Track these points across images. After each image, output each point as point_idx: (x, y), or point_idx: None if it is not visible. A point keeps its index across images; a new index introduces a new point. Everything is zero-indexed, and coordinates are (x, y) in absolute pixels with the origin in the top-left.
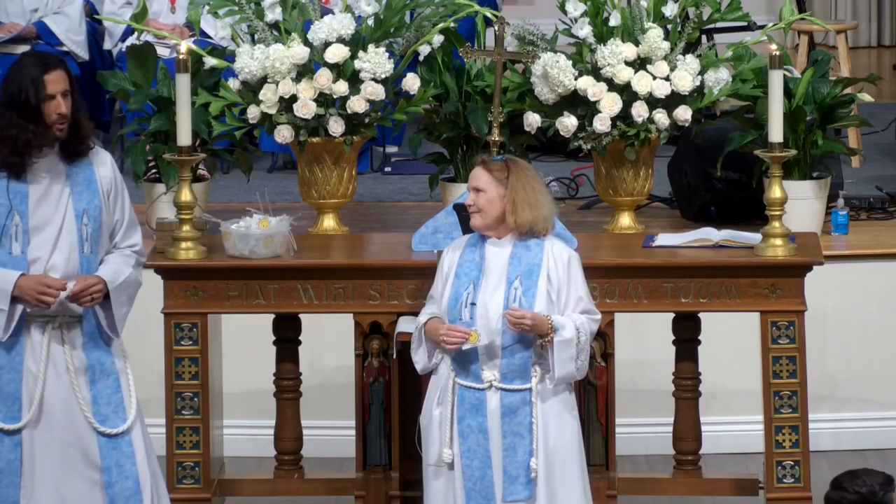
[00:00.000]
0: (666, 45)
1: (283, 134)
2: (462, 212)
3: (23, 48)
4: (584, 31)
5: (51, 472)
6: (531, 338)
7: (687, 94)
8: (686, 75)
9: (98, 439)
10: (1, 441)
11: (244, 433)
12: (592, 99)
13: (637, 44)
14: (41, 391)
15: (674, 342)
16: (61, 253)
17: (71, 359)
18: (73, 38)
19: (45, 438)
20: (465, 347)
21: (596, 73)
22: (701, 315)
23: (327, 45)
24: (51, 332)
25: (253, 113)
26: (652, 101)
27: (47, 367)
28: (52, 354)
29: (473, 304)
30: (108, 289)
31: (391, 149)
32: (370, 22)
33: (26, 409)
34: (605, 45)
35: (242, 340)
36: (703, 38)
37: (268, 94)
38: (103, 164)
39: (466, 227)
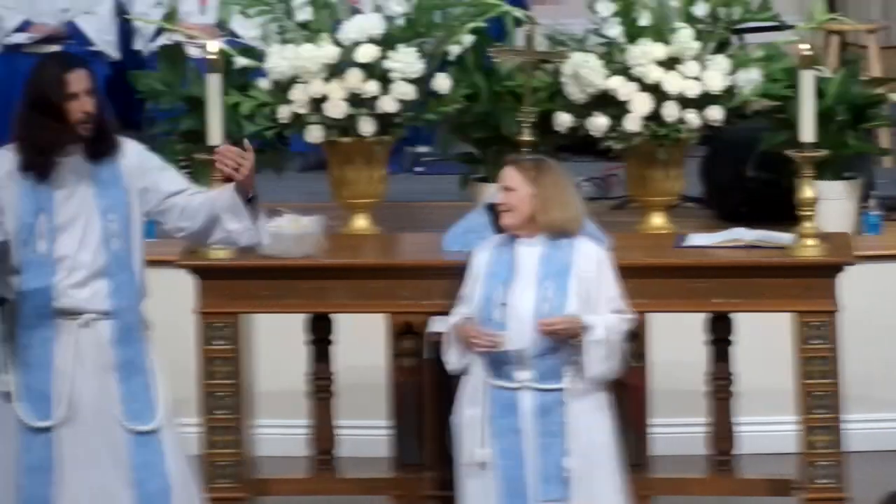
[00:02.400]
0: (696, 44)
1: (314, 134)
2: (493, 211)
3: (53, 48)
4: (615, 30)
5: (81, 469)
6: (563, 338)
7: (718, 93)
8: (717, 75)
9: (128, 437)
10: (32, 439)
11: (278, 433)
12: (623, 99)
13: (667, 44)
14: (70, 389)
15: (707, 342)
16: (87, 249)
17: (100, 357)
18: (103, 37)
19: (76, 436)
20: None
21: (626, 72)
22: (734, 315)
23: (358, 44)
24: (80, 329)
25: (283, 113)
26: (683, 101)
27: (76, 365)
28: (82, 352)
29: (504, 304)
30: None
31: (422, 149)
32: (400, 22)
33: (56, 407)
34: (635, 44)
35: (275, 340)
36: (734, 38)
37: (298, 94)
38: (129, 155)
39: (497, 227)
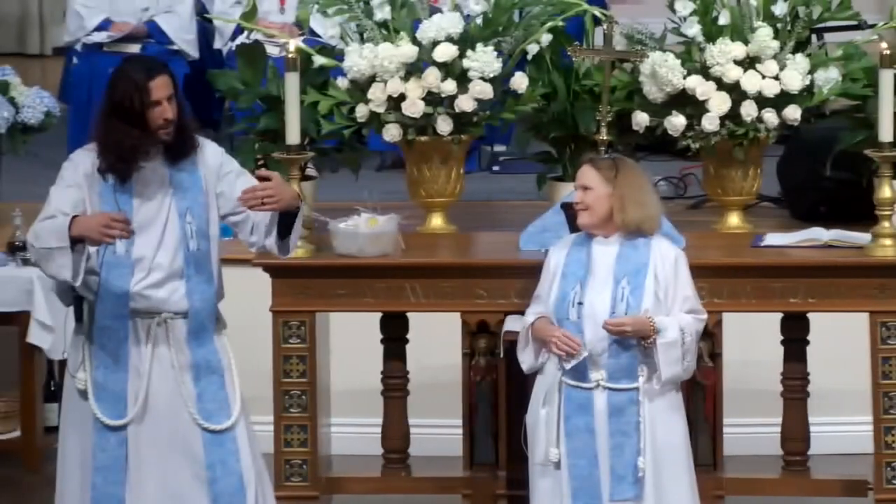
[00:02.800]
0: (775, 44)
1: (392, 133)
2: (569, 210)
3: (133, 47)
4: (693, 29)
5: (156, 468)
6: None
7: (796, 93)
8: (795, 74)
9: (202, 436)
10: (106, 438)
11: (352, 431)
12: (701, 98)
13: (746, 43)
14: (146, 388)
15: (782, 342)
16: (166, 251)
17: (176, 356)
18: (183, 36)
19: (151, 435)
20: (569, 364)
21: (705, 72)
22: (809, 315)
23: (436, 43)
24: (155, 329)
25: (361, 112)
26: (761, 101)
27: (152, 364)
28: (157, 351)
29: (581, 303)
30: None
31: (499, 148)
32: (479, 21)
33: (131, 406)
34: (714, 43)
35: (350, 338)
36: (813, 37)
37: (376, 93)
38: (208, 157)
39: (574, 226)
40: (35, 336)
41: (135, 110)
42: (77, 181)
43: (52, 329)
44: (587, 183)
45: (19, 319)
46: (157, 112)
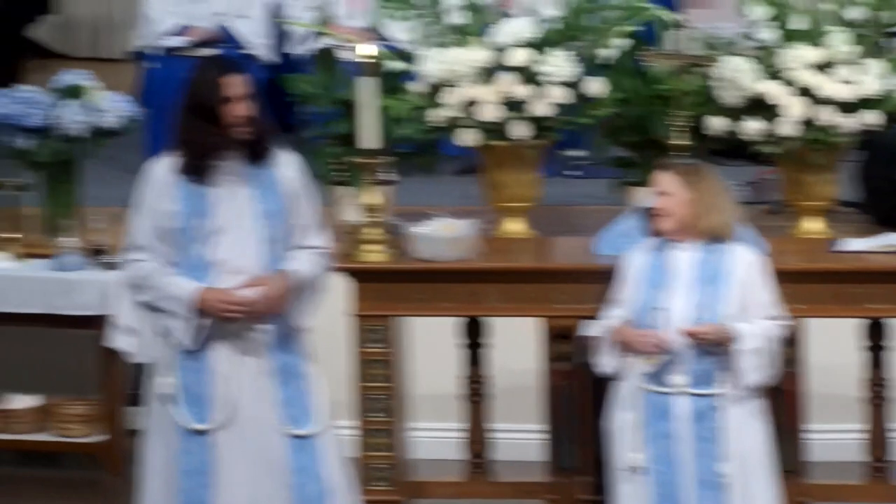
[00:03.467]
0: (850, 48)
1: (467, 137)
2: (646, 215)
3: (208, 52)
4: (767, 34)
5: (240, 473)
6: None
7: (873, 97)
8: (871, 79)
9: (287, 442)
10: (192, 442)
11: (434, 436)
12: (776, 103)
13: (821, 47)
14: (230, 393)
15: (862, 348)
16: (245, 255)
17: (261, 360)
18: (257, 41)
19: (236, 439)
20: (654, 364)
21: (779, 76)
22: (888, 320)
23: (510, 48)
24: (240, 333)
25: (436, 116)
26: (837, 105)
27: (236, 369)
28: (241, 356)
29: (661, 309)
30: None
31: (575, 152)
32: (554, 25)
33: (216, 411)
34: (788, 48)
35: (430, 343)
36: (890, 41)
37: (451, 98)
38: (287, 165)
39: (650, 231)
40: (117, 339)
41: (208, 107)
42: (153, 204)
43: (134, 332)
44: (666, 189)
45: (100, 323)
46: (230, 109)
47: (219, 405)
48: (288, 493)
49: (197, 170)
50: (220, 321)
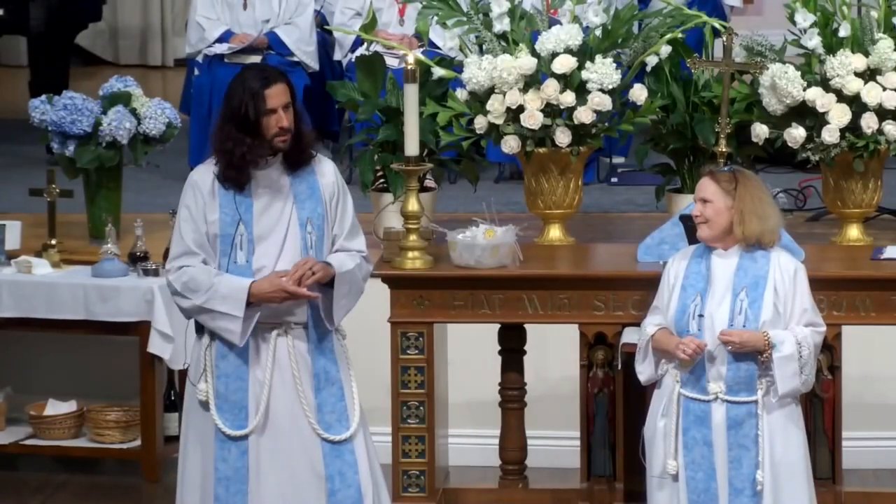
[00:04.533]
0: None
1: (510, 144)
2: (688, 222)
3: (254, 58)
4: (814, 41)
5: (276, 479)
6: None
7: None
8: None
9: (322, 447)
10: (228, 448)
11: (469, 442)
12: (821, 110)
13: (867, 54)
14: (267, 398)
15: None
16: (286, 261)
17: (297, 366)
18: (303, 48)
19: (271, 445)
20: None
21: (825, 83)
22: None
23: (555, 55)
24: (276, 339)
25: (480, 123)
26: (882, 113)
27: (273, 374)
28: (279, 361)
29: (701, 315)
30: (332, 273)
31: (617, 159)
32: (598, 33)
33: (252, 416)
34: (834, 55)
35: (468, 349)
36: None
37: (495, 105)
38: (326, 172)
39: (692, 238)
40: (155, 346)
41: (249, 118)
42: (197, 211)
43: (172, 339)
44: (707, 196)
45: (139, 329)
46: (273, 120)
47: (255, 410)
48: (323, 498)
49: (235, 179)
50: (280, 302)
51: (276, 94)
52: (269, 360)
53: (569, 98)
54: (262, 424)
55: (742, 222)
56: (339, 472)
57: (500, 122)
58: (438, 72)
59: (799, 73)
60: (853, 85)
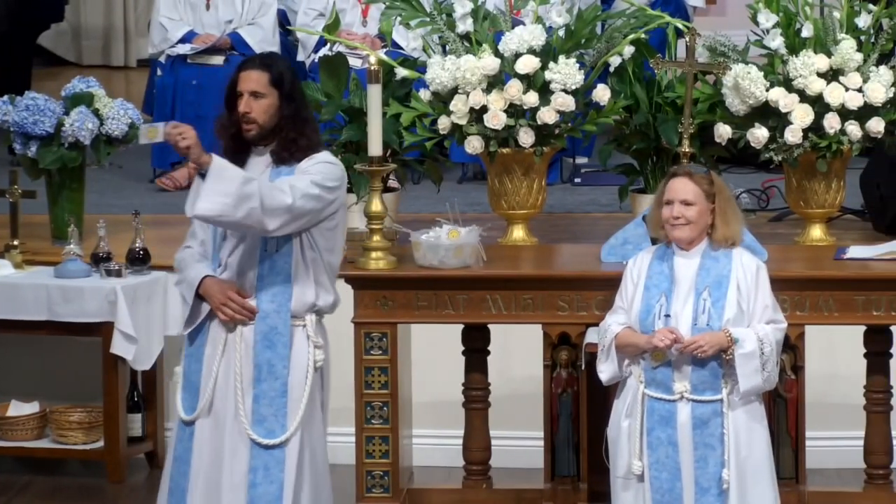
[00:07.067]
0: (859, 56)
1: (474, 144)
2: (650, 223)
3: (217, 59)
4: (776, 42)
5: (207, 463)
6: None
7: (880, 105)
8: (879, 87)
9: (251, 440)
10: (182, 429)
11: (433, 443)
12: (784, 110)
13: (829, 55)
14: (213, 384)
15: (865, 355)
16: (243, 248)
17: (241, 355)
18: (265, 48)
19: (211, 431)
20: (653, 361)
21: (787, 84)
22: (893, 328)
23: (518, 55)
24: (230, 327)
25: (443, 123)
26: (844, 113)
27: (221, 362)
28: (227, 349)
29: (668, 315)
30: (206, 160)
31: (581, 160)
32: (561, 33)
33: (200, 401)
34: (797, 56)
35: (431, 350)
36: None
37: (458, 105)
38: (308, 161)
39: (660, 238)
40: (118, 347)
41: (227, 99)
42: None
43: (135, 340)
44: (689, 198)
45: (102, 330)
46: (239, 103)
47: (202, 395)
48: (241, 491)
49: (230, 160)
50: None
51: (246, 79)
52: (220, 348)
53: (532, 98)
54: (207, 409)
55: (726, 223)
56: (263, 465)
57: (463, 122)
58: (402, 72)
59: (762, 73)
60: (816, 85)
